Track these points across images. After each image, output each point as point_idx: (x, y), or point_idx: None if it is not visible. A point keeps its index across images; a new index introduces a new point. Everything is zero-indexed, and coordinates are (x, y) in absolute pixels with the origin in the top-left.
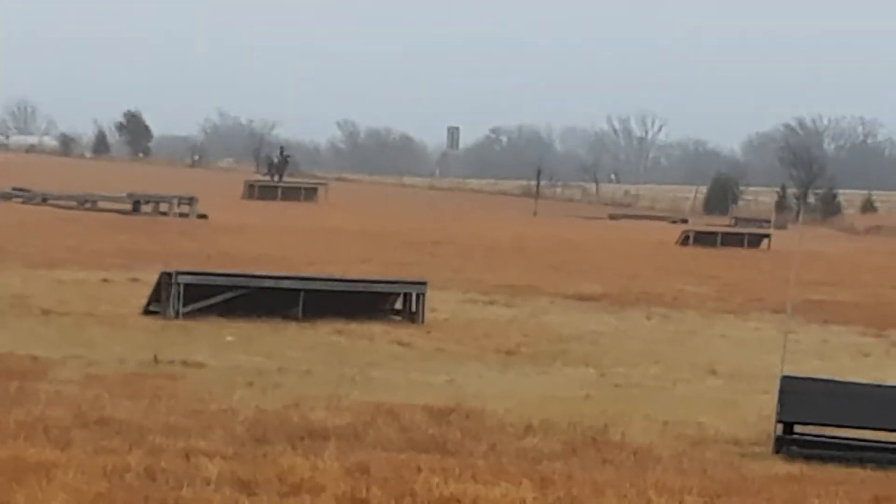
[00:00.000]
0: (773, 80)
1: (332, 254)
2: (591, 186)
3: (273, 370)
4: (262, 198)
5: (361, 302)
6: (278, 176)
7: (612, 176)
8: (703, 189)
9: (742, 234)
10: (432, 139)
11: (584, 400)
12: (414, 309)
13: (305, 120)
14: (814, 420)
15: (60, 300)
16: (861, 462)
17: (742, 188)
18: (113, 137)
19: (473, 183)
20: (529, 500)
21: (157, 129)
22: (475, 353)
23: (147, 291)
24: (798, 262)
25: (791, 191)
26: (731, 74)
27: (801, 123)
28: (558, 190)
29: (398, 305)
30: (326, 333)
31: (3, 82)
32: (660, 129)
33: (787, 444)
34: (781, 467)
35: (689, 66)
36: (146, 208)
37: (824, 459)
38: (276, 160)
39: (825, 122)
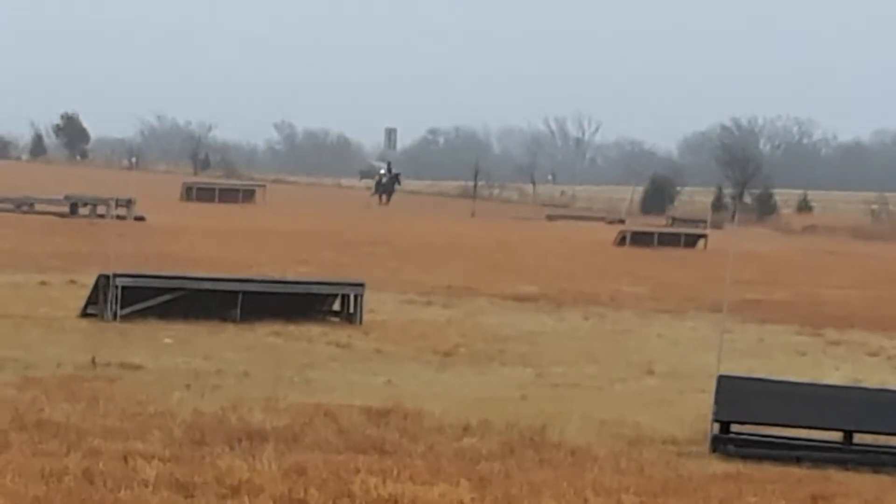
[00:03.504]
0: (710, 80)
1: (270, 255)
2: (529, 187)
3: (211, 372)
4: (199, 200)
5: (299, 303)
6: (387, 197)
7: (550, 176)
8: (640, 189)
9: (678, 234)
10: (369, 140)
11: (521, 400)
12: (352, 310)
13: (243, 122)
14: (750, 419)
15: None
16: (797, 461)
17: (678, 188)
18: (50, 140)
19: (411, 184)
20: (467, 501)
21: (94, 131)
22: (413, 353)
23: (85, 294)
24: (734, 262)
25: (727, 191)
26: (667, 75)
27: (737, 123)
28: (496, 191)
29: (336, 307)
30: (264, 335)
31: None
32: (596, 129)
33: (724, 443)
34: (718, 466)
35: (626, 67)
36: (84, 210)
37: (761, 458)
38: (383, 180)
39: (761, 122)
